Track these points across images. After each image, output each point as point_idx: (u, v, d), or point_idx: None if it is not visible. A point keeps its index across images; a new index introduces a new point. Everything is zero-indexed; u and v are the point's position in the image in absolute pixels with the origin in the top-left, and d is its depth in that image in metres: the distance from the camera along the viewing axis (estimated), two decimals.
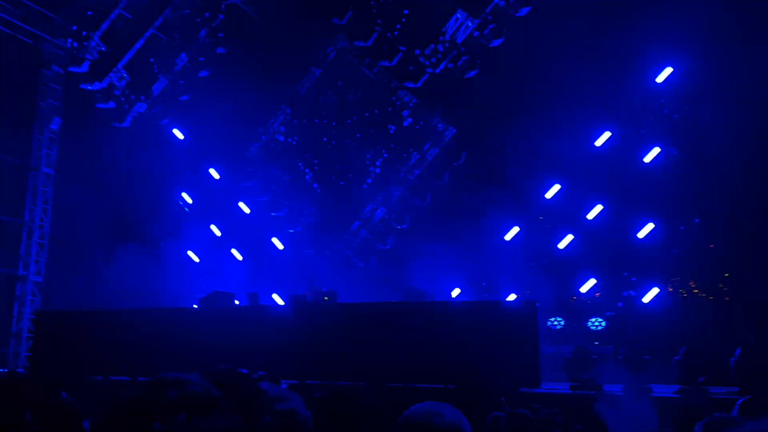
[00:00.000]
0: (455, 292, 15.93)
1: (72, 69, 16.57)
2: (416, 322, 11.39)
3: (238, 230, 17.80)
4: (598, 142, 15.44)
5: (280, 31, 16.84)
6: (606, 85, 14.96)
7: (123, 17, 16.92)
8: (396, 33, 13.93)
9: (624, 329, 14.70)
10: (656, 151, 15.00)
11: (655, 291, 14.93)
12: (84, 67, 16.40)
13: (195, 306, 13.80)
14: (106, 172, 16.60)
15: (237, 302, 13.51)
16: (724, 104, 13.94)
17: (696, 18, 13.61)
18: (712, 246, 15.04)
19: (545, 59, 14.81)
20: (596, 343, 15.12)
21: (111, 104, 16.43)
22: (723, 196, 14.31)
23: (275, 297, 16.55)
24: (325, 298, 13.67)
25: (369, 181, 16.62)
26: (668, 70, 14.83)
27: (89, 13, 16.40)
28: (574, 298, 15.43)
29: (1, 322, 16.94)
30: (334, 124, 16.86)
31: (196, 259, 17.96)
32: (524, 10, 13.60)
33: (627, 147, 15.27)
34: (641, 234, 15.01)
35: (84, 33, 16.36)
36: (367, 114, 16.55)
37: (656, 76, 14.91)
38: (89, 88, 16.41)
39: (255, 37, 16.93)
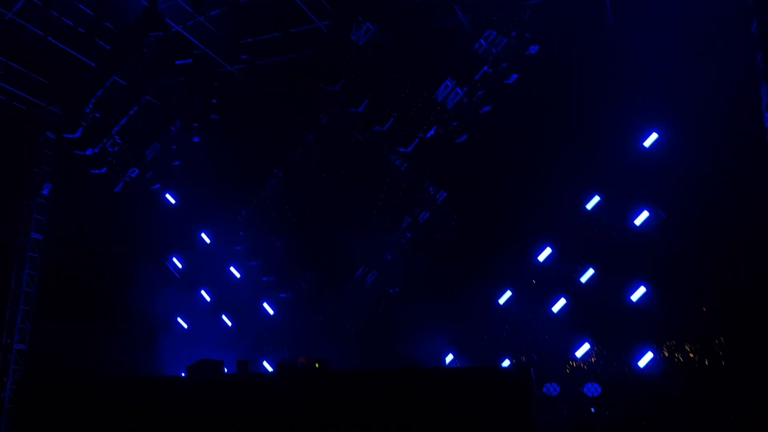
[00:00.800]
0: (448, 359, 15.70)
1: (66, 135, 16.69)
2: (409, 390, 11.18)
3: (228, 296, 17.61)
4: (589, 206, 15.56)
5: (273, 98, 17.11)
6: (594, 149, 15.21)
7: (117, 84, 17.16)
8: (388, 99, 14.21)
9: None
10: (645, 214, 15.11)
11: (649, 355, 14.79)
12: (78, 133, 16.52)
13: (183, 374, 13.50)
14: (95, 238, 16.53)
15: (225, 370, 13.23)
16: (709, 167, 14.19)
17: (682, 84, 14.01)
18: (704, 309, 14.99)
19: (534, 124, 15.11)
20: (593, 410, 14.87)
21: (104, 170, 16.48)
22: (714, 258, 14.37)
23: (265, 364, 16.25)
24: (316, 365, 13.43)
25: (361, 245, 16.58)
26: (654, 136, 15.10)
27: (86, 81, 16.64)
28: (572, 363, 15.23)
29: None
30: (326, 188, 16.93)
31: (184, 325, 17.69)
32: (512, 78, 13.92)
33: (617, 210, 15.38)
34: (634, 297, 14.98)
35: (79, 99, 16.56)
36: (359, 178, 16.66)
37: (644, 140, 15.16)
38: (82, 153, 16.48)
39: (248, 104, 17.18)
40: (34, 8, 15.75)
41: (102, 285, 16.24)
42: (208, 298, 17.72)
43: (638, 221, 15.12)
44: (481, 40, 13.98)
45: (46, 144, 18.41)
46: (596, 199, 15.51)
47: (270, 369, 16.17)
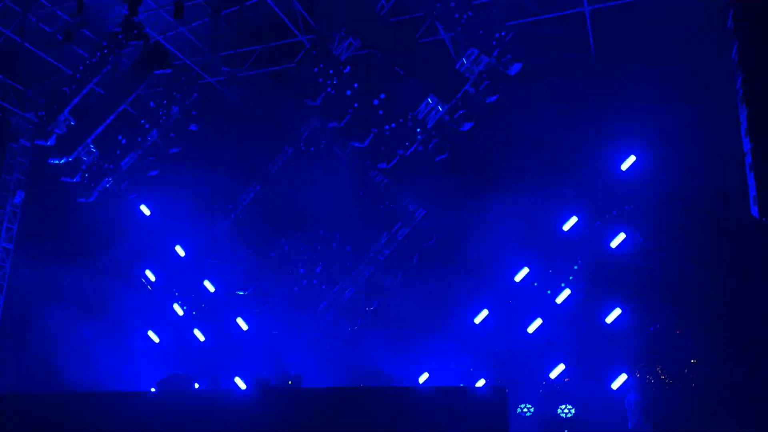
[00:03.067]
0: (423, 378, 15.59)
1: (39, 142, 16.40)
2: (382, 409, 11.06)
3: (202, 309, 17.33)
4: (566, 227, 15.62)
5: (253, 111, 16.99)
6: (573, 171, 15.31)
7: (95, 92, 16.93)
8: (368, 115, 14.17)
9: None
10: (622, 236, 15.21)
11: (623, 377, 14.82)
12: (51, 141, 16.24)
13: (152, 389, 13.23)
14: (68, 248, 16.22)
15: (197, 386, 12.99)
16: (687, 191, 14.34)
17: (662, 106, 14.16)
18: (678, 332, 15.09)
19: (515, 145, 15.19)
20: (566, 431, 14.86)
21: (77, 179, 16.17)
22: (688, 281, 14.49)
23: (237, 380, 16.00)
24: (290, 382, 13.26)
25: (338, 260, 16.45)
26: (632, 158, 15.24)
27: (62, 88, 16.36)
28: (543, 383, 15.21)
29: None
30: (304, 203, 16.79)
31: (156, 339, 17.37)
32: (493, 98, 13.95)
33: (594, 232, 15.46)
34: (609, 319, 15.03)
35: (54, 107, 16.28)
36: (338, 194, 16.55)
37: (621, 163, 15.29)
38: (56, 162, 16.18)
39: (228, 116, 17.04)
40: (11, 13, 15.54)
41: (73, 296, 15.91)
42: (180, 312, 17.42)
43: (614, 243, 15.21)
44: (463, 59, 14.01)
45: (19, 151, 18.08)
46: (574, 219, 15.60)
47: (243, 385, 15.91)
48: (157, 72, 15.93)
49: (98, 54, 16.06)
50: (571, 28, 14.68)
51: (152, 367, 15.91)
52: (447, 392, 12.68)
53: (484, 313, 15.77)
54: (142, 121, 16.03)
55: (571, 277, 15.26)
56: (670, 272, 14.63)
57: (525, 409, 15.14)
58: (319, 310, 16.50)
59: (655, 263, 14.76)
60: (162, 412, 11.65)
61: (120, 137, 16.23)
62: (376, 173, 16.36)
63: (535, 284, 15.56)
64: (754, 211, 10.89)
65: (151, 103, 15.99)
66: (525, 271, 15.68)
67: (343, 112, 14.51)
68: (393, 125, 14.25)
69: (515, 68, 13.89)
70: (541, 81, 14.62)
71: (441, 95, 14.17)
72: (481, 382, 15.37)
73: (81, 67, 16.21)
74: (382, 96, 14.41)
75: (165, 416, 11.48)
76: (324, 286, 16.36)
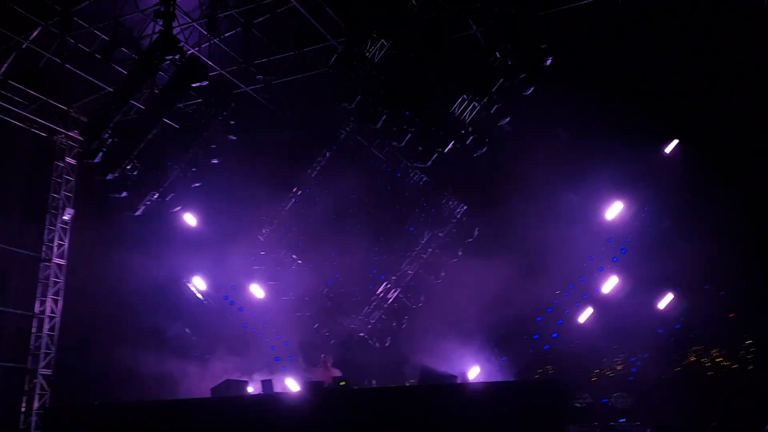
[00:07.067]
0: (474, 372, 15.55)
1: (85, 160, 16.76)
2: (437, 407, 11.06)
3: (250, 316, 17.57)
4: (609, 215, 15.47)
5: (290, 116, 17.16)
6: (609, 153, 15.13)
7: (135, 108, 17.27)
8: (405, 114, 14.18)
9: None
10: None
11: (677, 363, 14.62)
12: (97, 158, 16.57)
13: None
14: (118, 262, 16.59)
15: (251, 390, 13.19)
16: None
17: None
18: (732, 315, 14.81)
19: (551, 134, 15.07)
20: (622, 420, 14.68)
21: (124, 194, 16.47)
22: (740, 262, 14.24)
23: (290, 382, 16.17)
24: (342, 383, 13.34)
25: (382, 260, 16.52)
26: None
27: (104, 106, 16.71)
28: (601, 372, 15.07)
29: (8, 418, 16.56)
30: (345, 205, 16.89)
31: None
32: (529, 90, 13.83)
33: (644, 217, 15.29)
34: (661, 305, 14.82)
35: (97, 124, 16.62)
36: (378, 194, 16.63)
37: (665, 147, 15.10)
38: (103, 178, 16.51)
39: (266, 123, 17.23)
40: (51, 36, 15.94)
41: (126, 309, 16.28)
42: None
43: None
44: (496, 53, 13.90)
45: (66, 170, 18.56)
46: (618, 205, 15.44)
47: (296, 388, 16.08)
48: (194, 84, 16.16)
49: (136, 71, 16.34)
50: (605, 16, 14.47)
51: (207, 373, 16.15)
52: (500, 387, 12.65)
53: None
54: (184, 134, 16.26)
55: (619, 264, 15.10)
56: (720, 256, 14.36)
57: (579, 401, 15.00)
58: (367, 310, 16.59)
59: (705, 247, 14.49)
60: (219, 416, 11.86)
61: (163, 150, 16.47)
62: (415, 172, 16.38)
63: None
64: None
65: (191, 115, 16.23)
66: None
67: (380, 113, 14.55)
68: (429, 124, 14.23)
69: (549, 60, 13.74)
70: (577, 70, 14.46)
71: (476, 91, 14.09)
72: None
73: (121, 85, 16.52)
74: (417, 94, 14.38)
75: (221, 421, 11.68)
76: (369, 286, 16.41)
